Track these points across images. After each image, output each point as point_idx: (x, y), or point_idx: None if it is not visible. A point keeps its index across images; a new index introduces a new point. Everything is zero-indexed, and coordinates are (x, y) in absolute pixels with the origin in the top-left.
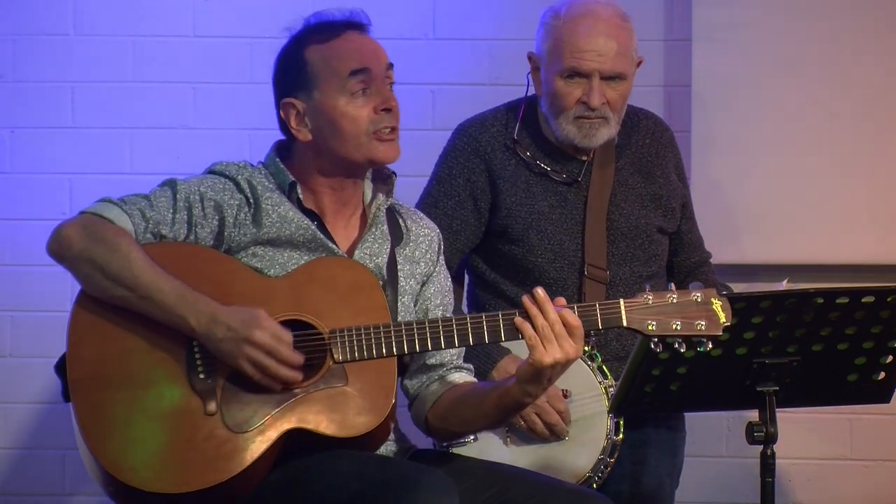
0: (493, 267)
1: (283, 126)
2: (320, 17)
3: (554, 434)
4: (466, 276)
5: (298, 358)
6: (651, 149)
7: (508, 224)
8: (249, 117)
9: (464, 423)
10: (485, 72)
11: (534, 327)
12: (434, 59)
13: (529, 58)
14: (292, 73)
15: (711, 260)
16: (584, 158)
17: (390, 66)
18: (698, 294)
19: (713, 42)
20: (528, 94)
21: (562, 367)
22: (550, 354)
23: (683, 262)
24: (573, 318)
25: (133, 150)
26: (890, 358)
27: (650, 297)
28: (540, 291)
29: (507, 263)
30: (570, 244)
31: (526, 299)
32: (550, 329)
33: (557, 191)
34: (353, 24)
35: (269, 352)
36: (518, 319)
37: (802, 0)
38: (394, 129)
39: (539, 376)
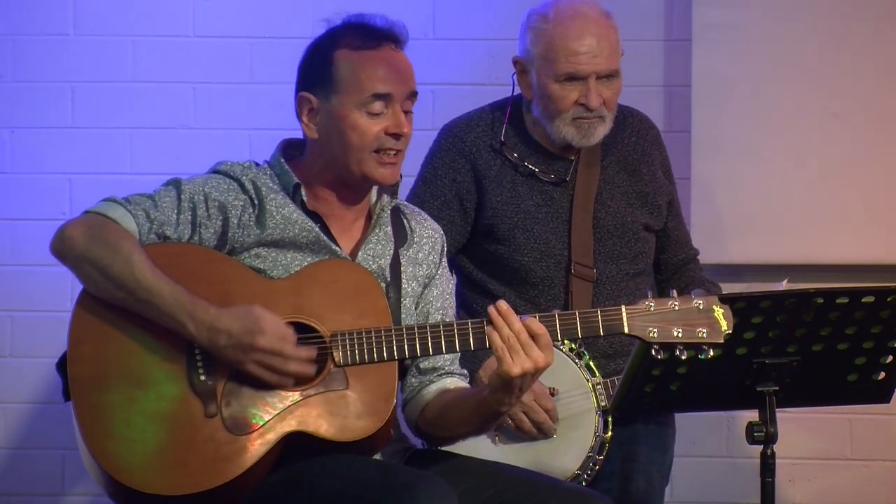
0: (480, 266)
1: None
2: (361, 19)
3: (542, 432)
4: (454, 276)
5: (307, 352)
6: (637, 147)
7: (494, 224)
8: (249, 117)
9: (448, 429)
10: (485, 72)
11: (500, 338)
12: (434, 59)
13: (515, 62)
14: (317, 69)
15: (714, 260)
16: (572, 158)
17: (414, 94)
18: (700, 301)
19: (713, 42)
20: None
21: (531, 376)
22: (518, 364)
23: (670, 259)
24: (538, 326)
25: (133, 150)
26: (890, 358)
27: (652, 304)
28: (503, 304)
29: (494, 263)
30: (557, 243)
31: (491, 310)
32: (516, 339)
33: (543, 190)
34: (392, 38)
35: (275, 353)
36: (488, 328)
37: (802, 0)
38: (398, 153)
39: (509, 386)
